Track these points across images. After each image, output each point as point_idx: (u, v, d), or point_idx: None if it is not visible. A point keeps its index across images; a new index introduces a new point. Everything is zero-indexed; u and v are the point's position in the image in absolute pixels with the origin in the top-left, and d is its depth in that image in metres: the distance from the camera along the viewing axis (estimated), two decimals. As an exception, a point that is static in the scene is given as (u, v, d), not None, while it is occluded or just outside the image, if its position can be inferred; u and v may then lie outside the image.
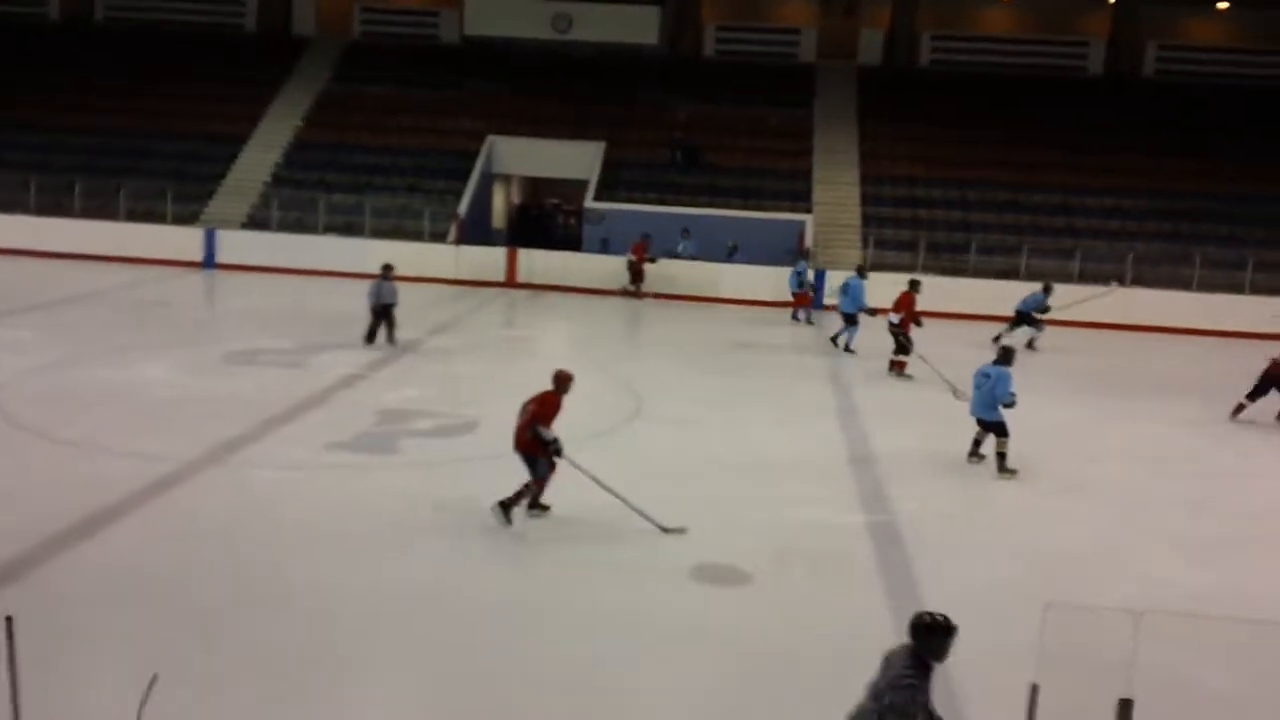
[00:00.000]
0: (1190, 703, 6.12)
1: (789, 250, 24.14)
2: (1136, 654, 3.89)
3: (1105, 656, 3.96)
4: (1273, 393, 14.93)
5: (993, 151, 27.08)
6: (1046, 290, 20.16)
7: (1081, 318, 21.20)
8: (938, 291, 22.18)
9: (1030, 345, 19.58)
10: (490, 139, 27.62)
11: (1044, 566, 9.22)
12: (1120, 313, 22.26)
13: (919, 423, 14.18)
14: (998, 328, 20.32)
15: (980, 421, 11.98)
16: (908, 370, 16.97)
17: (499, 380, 14.85)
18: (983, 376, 11.88)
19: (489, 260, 24.93)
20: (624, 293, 23.80)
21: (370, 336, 16.93)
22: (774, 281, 23.50)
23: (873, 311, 18.11)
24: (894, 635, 7.64)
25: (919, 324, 17.33)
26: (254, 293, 22.46)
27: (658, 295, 23.60)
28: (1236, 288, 23.29)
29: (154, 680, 4.53)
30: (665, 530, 9.33)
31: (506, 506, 9.46)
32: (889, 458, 12.39)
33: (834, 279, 23.49)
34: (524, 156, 28.15)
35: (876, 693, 4.68)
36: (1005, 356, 12.03)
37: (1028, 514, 10.83)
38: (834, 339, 19.18)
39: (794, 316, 22.30)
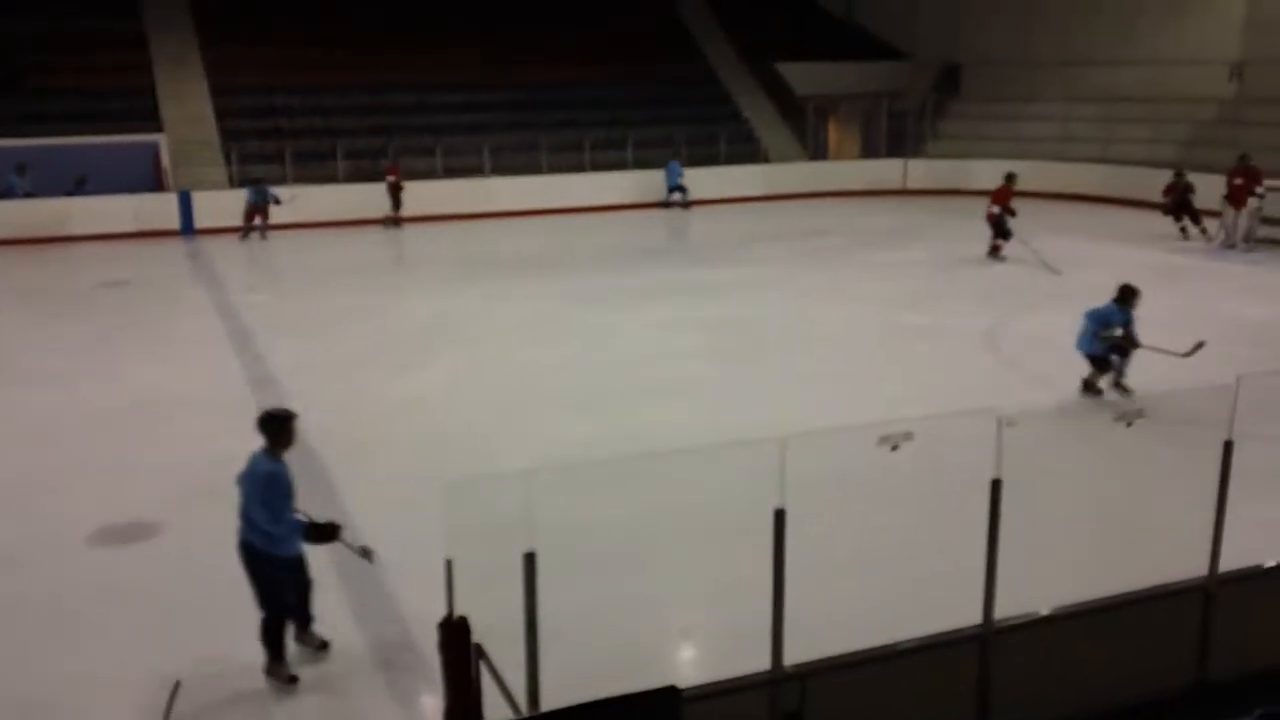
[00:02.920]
0: (590, 539, 6.87)
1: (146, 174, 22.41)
2: (534, 510, 4.20)
3: (509, 519, 4.23)
4: None
5: (343, 54, 26.47)
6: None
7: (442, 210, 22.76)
8: (310, 203, 21.92)
9: None
10: None
11: (449, 449, 9.63)
12: (484, 202, 23.60)
13: (315, 336, 14.07)
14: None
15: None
16: (1003, 253, 18.51)
17: None
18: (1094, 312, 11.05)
19: None
20: (386, 220, 22.39)
21: None
22: (134, 210, 21.71)
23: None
24: (324, 549, 7.69)
25: (1013, 213, 18.50)
26: None
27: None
28: (577, 168, 25.30)
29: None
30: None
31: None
32: (288, 374, 12.16)
33: (200, 200, 22.21)
34: None
35: None
36: (1123, 296, 10.99)
37: (428, 403, 11.24)
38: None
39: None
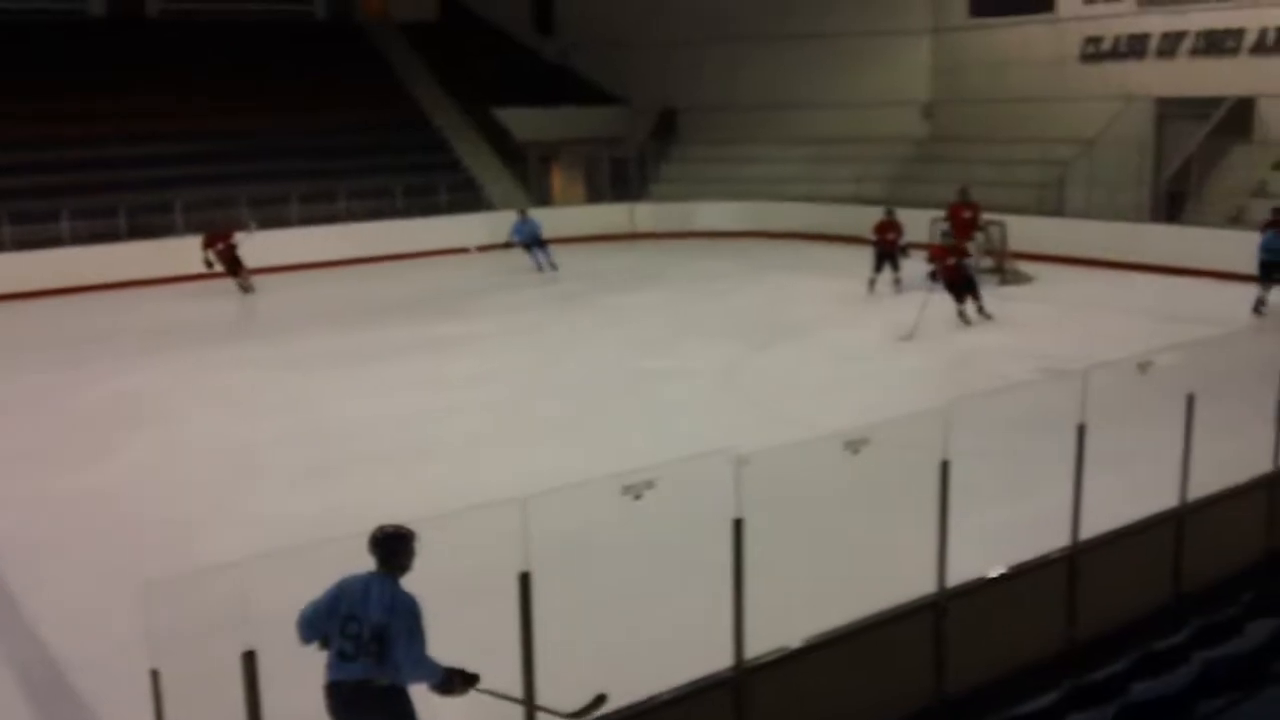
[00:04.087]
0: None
1: None
2: (251, 604, 3.84)
3: (223, 615, 3.84)
4: None
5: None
6: (523, 214, 22.61)
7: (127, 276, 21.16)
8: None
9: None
10: None
11: (148, 544, 8.74)
12: (175, 264, 21.80)
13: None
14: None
15: None
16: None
17: None
18: None
19: None
20: (241, 287, 20.66)
21: None
22: None
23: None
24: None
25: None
26: None
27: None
28: (284, 222, 23.86)
29: None
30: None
31: None
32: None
33: None
34: None
35: None
36: None
37: (121, 493, 10.19)
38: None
39: None
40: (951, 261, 16.37)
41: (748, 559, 5.42)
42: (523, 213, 23.02)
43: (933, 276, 16.27)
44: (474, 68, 30.37)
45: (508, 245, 22.31)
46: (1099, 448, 6.85)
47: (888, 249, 19.05)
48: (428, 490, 9.54)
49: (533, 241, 22.29)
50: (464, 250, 22.83)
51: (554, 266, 22.12)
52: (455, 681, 5.03)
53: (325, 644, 5.02)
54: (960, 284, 16.38)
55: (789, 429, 11.00)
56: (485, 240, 23.09)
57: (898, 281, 19.06)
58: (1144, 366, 6.93)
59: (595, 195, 30.09)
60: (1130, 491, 7.63)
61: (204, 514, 9.52)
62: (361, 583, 4.99)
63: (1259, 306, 16.32)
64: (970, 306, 16.41)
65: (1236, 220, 20.23)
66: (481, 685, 5.08)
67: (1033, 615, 6.83)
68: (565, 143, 30.09)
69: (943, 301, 16.03)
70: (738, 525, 5.38)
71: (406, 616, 4.92)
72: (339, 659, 4.93)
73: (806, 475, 6.66)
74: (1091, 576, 6.90)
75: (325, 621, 4.98)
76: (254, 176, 24.66)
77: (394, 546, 5.02)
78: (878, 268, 19.06)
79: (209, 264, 20.53)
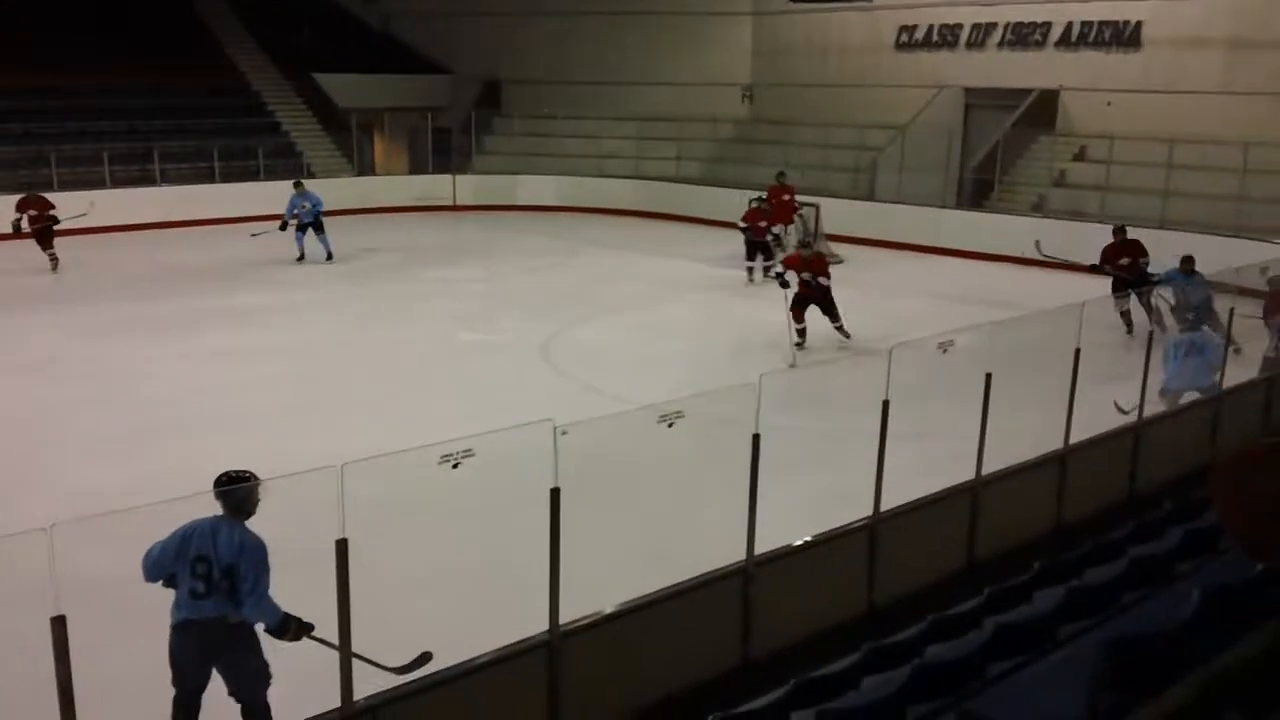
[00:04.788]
0: (134, 594, 6.21)
1: None
2: (55, 570, 3.75)
3: (32, 581, 3.75)
4: None
5: None
6: (299, 188, 19.84)
7: None
8: None
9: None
10: None
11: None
12: None
13: None
14: None
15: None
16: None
17: None
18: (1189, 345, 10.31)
19: None
20: (51, 260, 18.63)
21: None
22: None
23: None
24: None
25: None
26: None
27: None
28: (96, 183, 22.85)
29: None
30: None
31: None
32: None
33: None
34: None
35: None
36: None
37: None
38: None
39: None
40: (805, 276, 14.11)
41: (564, 527, 5.53)
42: (299, 185, 20.20)
43: (781, 281, 14.38)
44: (295, 32, 29.53)
45: (283, 226, 19.75)
46: (901, 424, 7.21)
47: (759, 236, 18.49)
48: (238, 459, 9.12)
49: (311, 220, 19.74)
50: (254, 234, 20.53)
51: (329, 257, 19.81)
52: (291, 626, 5.31)
53: (170, 583, 5.27)
54: (808, 302, 14.12)
55: (606, 402, 11.22)
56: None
57: (768, 269, 17.75)
58: (945, 346, 7.23)
59: (418, 165, 29.63)
60: (930, 465, 8.07)
61: (5, 483, 9.15)
62: (209, 525, 5.29)
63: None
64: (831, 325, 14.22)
65: (1038, 208, 21.49)
66: (315, 634, 5.30)
67: (835, 582, 7.15)
68: (388, 111, 29.57)
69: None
70: (555, 494, 5.48)
71: (255, 555, 5.24)
72: (190, 598, 5.21)
73: (623, 446, 6.83)
74: (891, 545, 7.26)
75: (172, 562, 5.24)
76: (65, 136, 23.75)
77: (240, 492, 5.36)
78: (751, 256, 18.51)
79: (16, 227, 18.92)
